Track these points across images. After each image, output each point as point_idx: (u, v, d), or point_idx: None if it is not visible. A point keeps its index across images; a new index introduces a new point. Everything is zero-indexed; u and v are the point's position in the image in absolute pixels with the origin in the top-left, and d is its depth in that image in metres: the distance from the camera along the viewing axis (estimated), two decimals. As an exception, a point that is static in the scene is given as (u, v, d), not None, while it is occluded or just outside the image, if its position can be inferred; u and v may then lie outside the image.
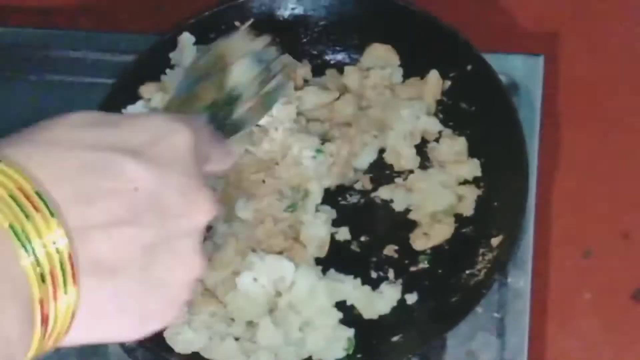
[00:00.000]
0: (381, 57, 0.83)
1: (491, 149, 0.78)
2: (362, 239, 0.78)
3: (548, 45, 0.86)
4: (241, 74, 0.63)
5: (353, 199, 0.80)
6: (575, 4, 0.88)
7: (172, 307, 0.47)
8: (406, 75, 0.82)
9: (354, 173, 0.80)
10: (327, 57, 0.84)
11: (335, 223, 0.78)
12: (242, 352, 0.73)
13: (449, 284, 0.76)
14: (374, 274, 0.77)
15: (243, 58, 0.64)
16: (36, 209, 0.41)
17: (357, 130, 0.80)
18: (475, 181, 0.79)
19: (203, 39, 0.82)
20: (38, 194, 0.41)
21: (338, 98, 0.82)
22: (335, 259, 0.77)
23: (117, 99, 0.80)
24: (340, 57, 0.84)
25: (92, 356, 0.76)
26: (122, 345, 0.73)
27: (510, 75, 0.81)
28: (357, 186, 0.80)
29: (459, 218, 0.78)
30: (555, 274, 0.79)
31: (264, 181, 0.78)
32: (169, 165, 0.46)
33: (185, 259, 0.47)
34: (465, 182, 0.79)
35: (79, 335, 0.44)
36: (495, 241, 0.75)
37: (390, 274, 0.77)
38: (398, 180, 0.80)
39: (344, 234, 0.78)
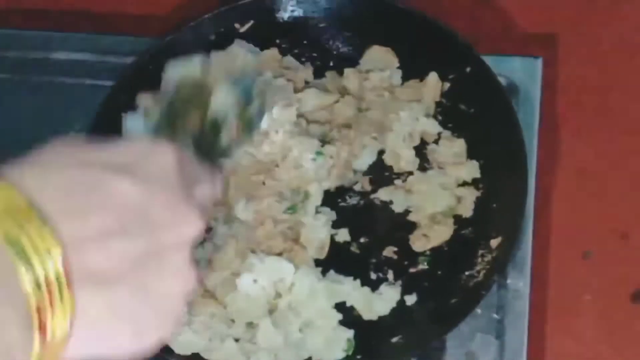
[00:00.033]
0: (380, 59, 0.83)
1: (490, 150, 0.78)
2: (362, 240, 0.78)
3: (547, 47, 0.86)
4: (222, 100, 0.64)
5: (353, 200, 0.80)
6: (573, 7, 0.88)
7: (167, 320, 0.48)
8: (405, 78, 0.83)
9: (353, 175, 0.81)
10: (327, 59, 0.84)
11: (335, 224, 0.79)
12: (242, 353, 0.73)
13: (449, 285, 0.76)
14: (373, 275, 0.77)
15: (221, 85, 0.65)
16: (29, 220, 0.42)
17: (356, 132, 0.80)
18: (475, 183, 0.79)
19: (203, 41, 0.83)
20: (31, 206, 0.42)
21: (338, 100, 0.82)
22: (335, 260, 0.77)
23: (116, 101, 0.80)
24: (339, 59, 0.84)
25: None
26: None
27: (509, 78, 0.82)
28: (357, 188, 0.80)
29: (458, 219, 0.78)
30: (555, 275, 0.79)
31: (264, 183, 0.79)
32: (155, 181, 0.48)
33: (176, 271, 0.48)
34: (464, 184, 0.79)
35: (78, 348, 0.44)
36: (494, 242, 0.75)
37: (390, 275, 0.77)
38: (397, 181, 0.80)
39: (343, 235, 0.78)
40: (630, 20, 0.88)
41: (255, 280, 0.74)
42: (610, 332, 0.77)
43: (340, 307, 0.75)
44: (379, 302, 0.75)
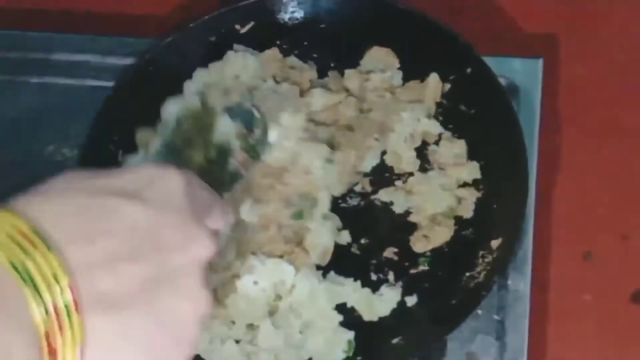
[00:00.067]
0: (381, 60, 0.83)
1: (491, 151, 0.78)
2: (362, 241, 0.78)
3: (547, 48, 0.86)
4: (224, 130, 0.66)
5: (353, 201, 0.80)
6: (574, 7, 0.88)
7: (181, 344, 0.47)
8: (406, 78, 0.82)
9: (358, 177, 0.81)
10: (328, 60, 0.84)
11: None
12: (243, 355, 0.73)
13: (449, 286, 0.76)
14: (374, 277, 0.77)
15: (221, 116, 0.66)
16: (34, 246, 0.42)
17: (360, 134, 0.80)
18: (475, 184, 0.79)
19: (203, 42, 0.83)
20: (36, 233, 0.43)
21: (344, 99, 0.81)
22: (336, 262, 0.77)
23: (117, 102, 0.80)
24: (340, 60, 0.84)
25: None
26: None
27: (510, 78, 0.82)
28: (357, 189, 0.80)
29: (458, 220, 0.78)
30: (555, 276, 0.79)
31: (272, 187, 0.78)
32: (163, 205, 0.48)
33: (188, 293, 0.47)
34: (464, 185, 0.79)
35: None
36: (495, 243, 0.75)
37: (390, 276, 0.77)
38: (398, 182, 0.80)
39: (344, 236, 0.78)
40: (630, 21, 0.87)
41: (255, 282, 0.74)
42: (611, 333, 0.77)
43: (340, 308, 0.75)
44: (379, 303, 0.75)
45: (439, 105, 0.82)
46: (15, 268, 0.41)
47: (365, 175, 0.80)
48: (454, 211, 0.78)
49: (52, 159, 0.84)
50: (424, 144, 0.81)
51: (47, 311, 0.41)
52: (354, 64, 0.83)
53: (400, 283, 0.76)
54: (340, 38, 0.84)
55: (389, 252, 0.78)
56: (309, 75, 0.83)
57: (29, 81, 0.87)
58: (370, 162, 0.80)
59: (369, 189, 0.80)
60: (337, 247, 0.78)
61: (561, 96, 0.84)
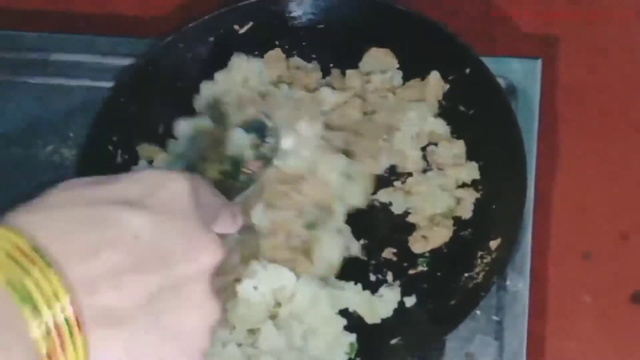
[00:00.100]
0: (380, 60, 0.83)
1: (490, 151, 0.78)
2: (361, 241, 0.78)
3: (546, 48, 0.86)
4: (237, 143, 0.66)
5: (352, 201, 0.80)
6: (573, 8, 0.88)
7: (191, 355, 0.47)
8: (406, 79, 0.82)
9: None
10: (327, 61, 0.84)
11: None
12: (244, 358, 0.73)
13: (448, 286, 0.76)
14: (372, 277, 0.77)
15: (233, 130, 0.66)
16: (33, 263, 0.41)
17: (368, 138, 0.80)
18: (474, 184, 0.79)
19: (203, 42, 0.83)
20: (34, 249, 0.41)
21: (353, 96, 0.81)
22: (335, 262, 0.77)
23: (116, 102, 0.80)
24: (339, 60, 0.84)
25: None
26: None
27: (509, 79, 0.82)
28: (357, 189, 0.80)
29: (457, 221, 0.78)
30: (554, 276, 0.79)
31: (287, 194, 0.77)
32: (168, 212, 0.46)
33: (196, 303, 0.46)
34: (463, 185, 0.79)
35: None
36: (493, 244, 0.75)
37: (389, 276, 0.77)
38: (397, 183, 0.80)
39: (354, 248, 0.78)
40: (630, 21, 0.87)
41: (255, 287, 0.74)
42: (610, 333, 0.77)
43: (341, 311, 0.75)
44: (380, 304, 0.75)
45: (438, 105, 0.82)
46: (14, 287, 0.40)
47: (365, 175, 0.80)
48: (452, 212, 0.78)
49: (51, 159, 0.84)
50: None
51: (47, 329, 0.40)
52: (353, 64, 0.83)
53: (398, 283, 0.76)
54: (339, 38, 0.83)
55: (388, 253, 0.78)
56: (315, 76, 0.83)
57: (28, 81, 0.87)
58: (383, 166, 0.80)
59: (368, 189, 0.80)
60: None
61: (560, 96, 0.84)
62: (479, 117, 0.80)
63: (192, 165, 0.67)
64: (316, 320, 0.74)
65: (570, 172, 0.82)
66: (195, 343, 0.46)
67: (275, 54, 0.83)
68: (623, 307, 0.78)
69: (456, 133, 0.80)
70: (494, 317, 0.75)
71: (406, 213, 0.79)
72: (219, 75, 0.82)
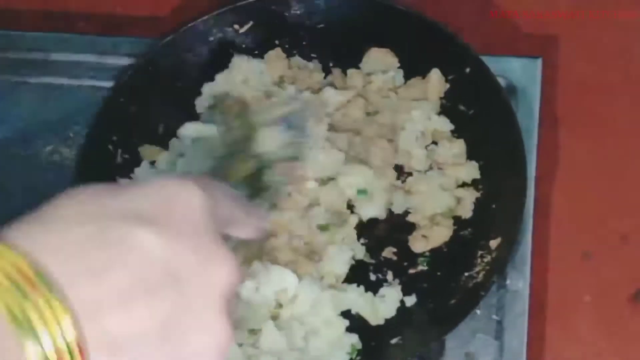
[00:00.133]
0: (381, 60, 0.83)
1: (490, 151, 0.78)
2: (361, 241, 0.78)
3: (546, 48, 0.86)
4: (270, 142, 0.65)
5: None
6: (573, 8, 0.88)
7: None
8: (406, 78, 0.82)
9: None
10: (327, 61, 0.84)
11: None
12: (245, 357, 0.73)
13: (448, 286, 0.76)
14: (372, 277, 0.77)
15: (271, 126, 0.66)
16: (34, 287, 0.39)
17: (372, 139, 0.80)
18: (474, 184, 0.79)
19: (203, 42, 0.83)
20: (36, 272, 0.39)
21: (355, 95, 0.81)
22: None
23: (116, 102, 0.80)
24: (339, 60, 0.84)
25: None
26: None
27: (509, 78, 0.82)
28: (357, 189, 0.80)
29: (457, 220, 0.78)
30: (554, 276, 0.79)
31: (290, 195, 0.77)
32: (181, 227, 0.43)
33: (208, 325, 0.43)
34: (463, 185, 0.79)
35: None
36: (493, 243, 0.75)
37: (389, 276, 0.77)
38: (397, 182, 0.80)
39: (359, 252, 0.78)
40: (630, 21, 0.87)
41: (257, 288, 0.74)
42: (610, 333, 0.77)
43: (343, 312, 0.75)
44: (382, 305, 0.75)
45: (440, 103, 0.82)
46: (12, 314, 0.38)
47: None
48: (452, 211, 0.78)
49: (51, 159, 0.84)
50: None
51: (47, 355, 0.38)
52: (354, 63, 0.83)
53: (397, 281, 0.76)
54: (339, 38, 0.83)
55: (388, 252, 0.78)
56: (317, 76, 0.83)
57: (28, 81, 0.87)
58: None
59: (368, 189, 0.80)
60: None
61: (560, 96, 0.84)
62: (479, 116, 0.80)
63: (213, 167, 0.65)
64: (318, 321, 0.74)
65: (570, 171, 0.82)
66: None
67: (276, 53, 0.83)
68: (623, 307, 0.78)
69: (456, 132, 0.80)
70: (494, 317, 0.75)
71: (406, 212, 0.79)
72: (219, 77, 0.82)
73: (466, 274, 0.75)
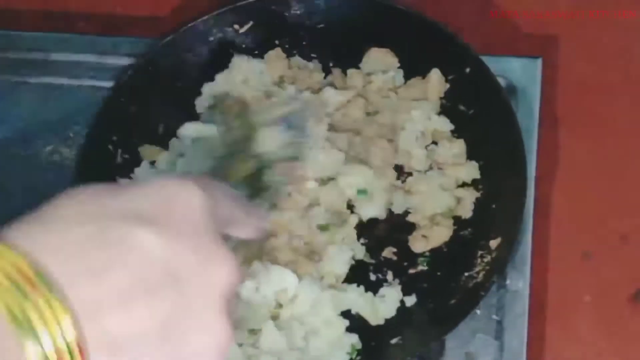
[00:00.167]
0: (381, 60, 0.83)
1: (490, 151, 0.78)
2: (361, 241, 0.78)
3: (546, 48, 0.86)
4: (270, 142, 0.65)
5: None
6: (573, 8, 0.88)
7: None
8: (407, 78, 0.82)
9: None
10: (327, 61, 0.84)
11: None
12: (245, 357, 0.73)
13: (448, 286, 0.76)
14: (372, 277, 0.77)
15: (271, 126, 0.66)
16: (34, 287, 0.39)
17: (372, 139, 0.80)
18: (474, 184, 0.79)
19: (203, 42, 0.83)
20: (36, 272, 0.39)
21: (355, 95, 0.81)
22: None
23: (116, 102, 0.80)
24: (339, 60, 0.84)
25: None
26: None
27: (509, 78, 0.82)
28: (357, 189, 0.80)
29: (457, 220, 0.78)
30: (554, 276, 0.79)
31: (289, 195, 0.77)
32: (181, 227, 0.43)
33: (208, 324, 0.43)
34: (463, 185, 0.79)
35: None
36: (493, 243, 0.75)
37: (389, 276, 0.77)
38: (397, 182, 0.80)
39: (359, 252, 0.78)
40: (630, 21, 0.87)
41: (257, 288, 0.74)
42: (610, 333, 0.77)
43: (343, 312, 0.75)
44: (382, 305, 0.75)
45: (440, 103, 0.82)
46: (12, 313, 0.38)
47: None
48: (452, 211, 0.78)
49: (51, 159, 0.84)
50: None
51: (46, 355, 0.38)
52: (354, 63, 0.83)
53: (397, 281, 0.76)
54: (339, 38, 0.83)
55: (388, 252, 0.78)
56: (317, 76, 0.83)
57: (28, 81, 0.87)
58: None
59: (368, 189, 0.80)
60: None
61: (560, 96, 0.84)
62: (479, 116, 0.80)
63: (213, 167, 0.65)
64: (318, 321, 0.74)
65: (570, 171, 0.82)
66: None
67: (276, 53, 0.83)
68: (623, 307, 0.78)
69: (456, 132, 0.80)
70: (494, 317, 0.75)
71: (406, 212, 0.79)
72: (219, 77, 0.82)
73: (466, 274, 0.75)
